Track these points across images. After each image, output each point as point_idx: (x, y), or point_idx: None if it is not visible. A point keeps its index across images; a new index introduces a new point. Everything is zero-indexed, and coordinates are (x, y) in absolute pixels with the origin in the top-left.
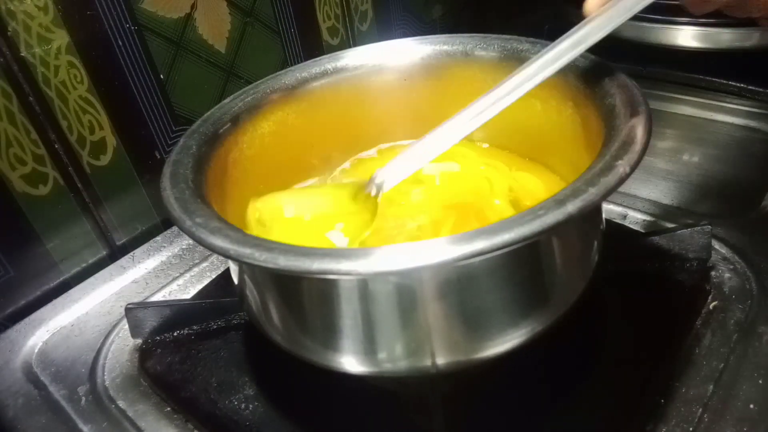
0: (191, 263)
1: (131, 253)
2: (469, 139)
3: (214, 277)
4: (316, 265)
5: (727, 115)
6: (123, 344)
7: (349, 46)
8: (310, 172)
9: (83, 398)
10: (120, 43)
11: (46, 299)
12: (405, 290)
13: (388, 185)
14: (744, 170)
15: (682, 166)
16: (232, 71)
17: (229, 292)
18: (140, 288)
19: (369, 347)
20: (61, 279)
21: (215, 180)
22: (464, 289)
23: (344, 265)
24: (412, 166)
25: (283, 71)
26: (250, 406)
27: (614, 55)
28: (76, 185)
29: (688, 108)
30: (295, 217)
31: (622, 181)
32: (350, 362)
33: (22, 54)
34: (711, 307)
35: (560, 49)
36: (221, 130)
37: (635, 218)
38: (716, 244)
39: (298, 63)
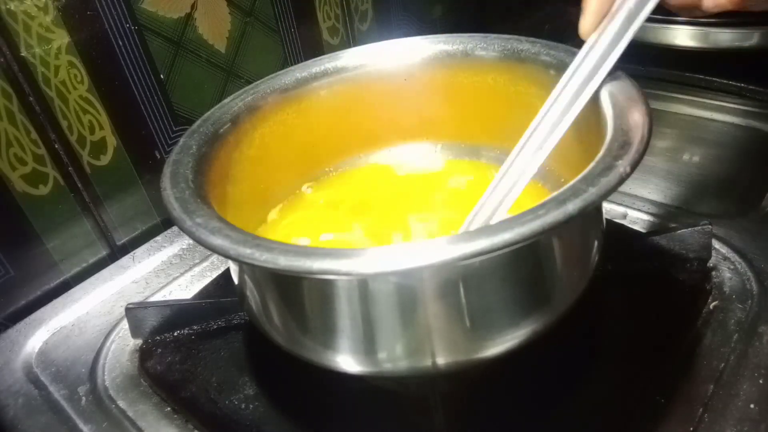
0: (191, 263)
1: (131, 253)
2: (471, 139)
3: (214, 277)
4: (316, 265)
5: (727, 115)
6: (123, 344)
7: (349, 46)
8: (310, 172)
9: (83, 398)
10: (120, 43)
11: (47, 299)
12: (405, 290)
13: None
14: (744, 170)
15: (682, 166)
16: (232, 71)
17: (229, 292)
18: (140, 288)
19: (369, 347)
20: (62, 279)
21: (215, 180)
22: (464, 289)
23: (344, 265)
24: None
25: (283, 71)
26: (251, 406)
27: None
28: (76, 185)
29: (688, 108)
30: None
31: (622, 180)
32: (350, 362)
33: (22, 54)
34: (711, 306)
35: (575, 87)
36: (221, 130)
37: (635, 218)
38: (716, 244)
39: (298, 63)
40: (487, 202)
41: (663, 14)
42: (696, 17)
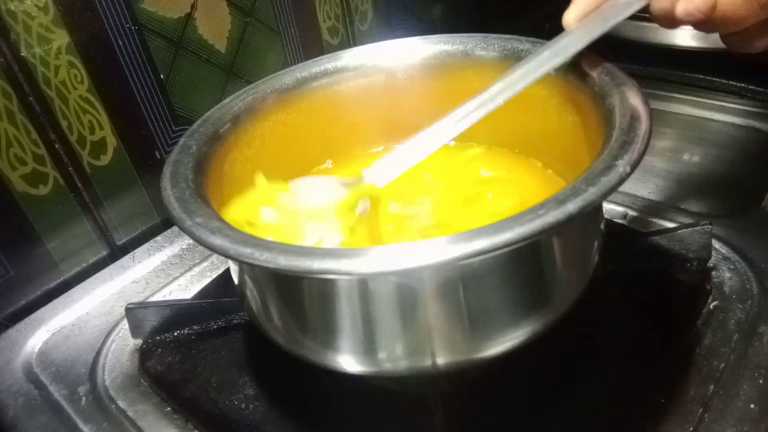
0: (191, 263)
1: (131, 253)
2: (471, 139)
3: (214, 277)
4: (316, 265)
5: (727, 114)
6: (123, 344)
7: (349, 46)
8: (310, 172)
9: (83, 398)
10: (120, 43)
11: (47, 299)
12: (405, 290)
13: (379, 183)
14: (744, 170)
15: (682, 166)
16: (232, 71)
17: (229, 292)
18: (140, 288)
19: (369, 347)
20: (62, 279)
21: (215, 180)
22: (464, 288)
23: (344, 265)
24: (398, 168)
25: (283, 71)
26: (250, 406)
27: (614, 55)
28: (76, 185)
29: (688, 108)
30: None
31: (622, 180)
32: (350, 362)
33: (23, 54)
34: (711, 306)
35: (541, 58)
36: (221, 130)
37: (635, 218)
38: (716, 244)
39: (298, 63)
40: (396, 155)
41: None
42: (673, 27)
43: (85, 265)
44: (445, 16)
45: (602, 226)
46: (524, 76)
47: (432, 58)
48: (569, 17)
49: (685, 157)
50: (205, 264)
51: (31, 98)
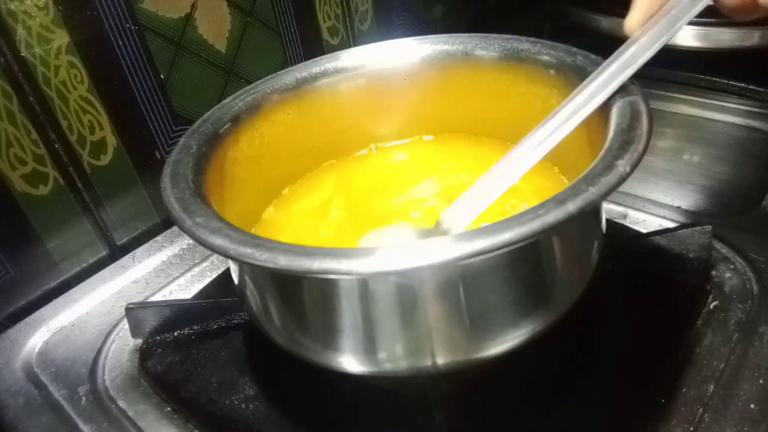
0: (191, 263)
1: (131, 253)
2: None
3: (214, 276)
4: (316, 264)
5: (728, 114)
6: (123, 344)
7: (349, 46)
8: (310, 172)
9: (83, 398)
10: (120, 43)
11: (47, 299)
12: (405, 290)
13: (457, 228)
14: (744, 170)
15: (682, 166)
16: (232, 71)
17: (230, 292)
18: (140, 288)
19: (369, 347)
20: (62, 279)
21: (215, 180)
22: (465, 288)
23: (344, 265)
24: (478, 206)
25: (283, 71)
26: (251, 405)
27: None
28: (76, 185)
29: (688, 108)
30: None
31: (622, 180)
32: (350, 362)
33: (23, 54)
34: (711, 306)
35: (609, 72)
36: (221, 130)
37: (635, 218)
38: (717, 244)
39: (298, 63)
40: (474, 193)
41: None
42: (753, 18)
43: (85, 265)
44: (445, 16)
45: (602, 226)
46: (594, 93)
47: (432, 58)
48: (632, 23)
49: (686, 157)
50: (205, 264)
51: (31, 98)
